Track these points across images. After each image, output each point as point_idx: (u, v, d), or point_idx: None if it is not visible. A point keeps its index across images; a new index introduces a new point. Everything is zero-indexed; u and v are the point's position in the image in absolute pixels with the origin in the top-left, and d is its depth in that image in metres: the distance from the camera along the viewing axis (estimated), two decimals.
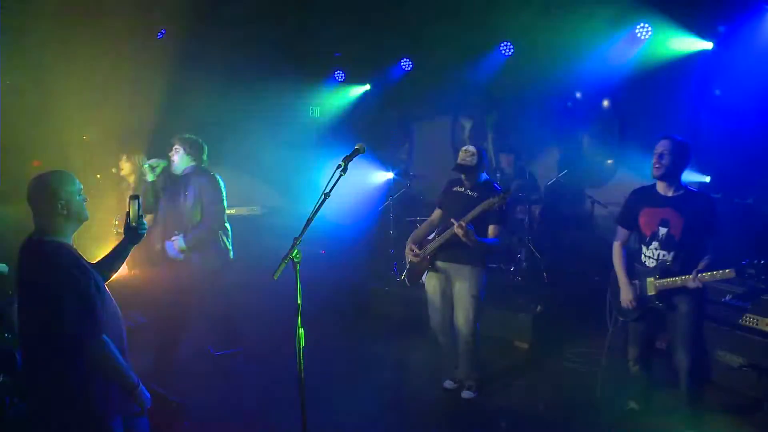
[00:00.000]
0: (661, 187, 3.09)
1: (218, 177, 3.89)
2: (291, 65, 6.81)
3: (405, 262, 3.68)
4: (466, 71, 6.92)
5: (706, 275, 2.89)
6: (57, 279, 1.89)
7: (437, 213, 3.66)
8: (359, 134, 7.14)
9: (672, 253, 3.03)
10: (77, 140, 5.58)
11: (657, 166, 3.02)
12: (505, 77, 6.77)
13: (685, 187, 3.07)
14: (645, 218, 3.12)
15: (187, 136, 3.87)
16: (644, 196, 3.16)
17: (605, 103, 6.30)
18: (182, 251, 3.75)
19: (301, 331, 2.36)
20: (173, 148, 3.84)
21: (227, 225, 3.99)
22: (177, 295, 3.78)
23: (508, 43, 6.60)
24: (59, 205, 2.00)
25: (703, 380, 2.96)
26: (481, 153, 3.49)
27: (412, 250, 3.57)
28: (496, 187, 3.50)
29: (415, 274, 3.64)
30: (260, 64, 6.52)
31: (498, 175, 5.44)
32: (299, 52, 6.91)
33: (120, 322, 2.12)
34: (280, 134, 6.95)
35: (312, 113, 7.96)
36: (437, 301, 3.61)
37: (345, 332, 4.81)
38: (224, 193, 3.88)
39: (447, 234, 3.39)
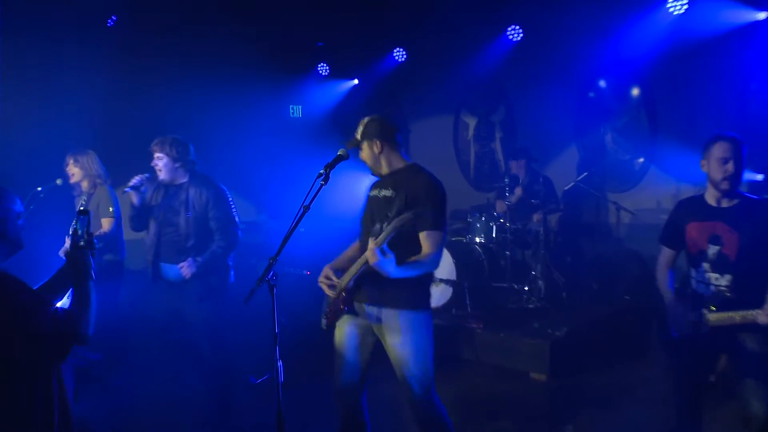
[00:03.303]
0: (711, 196, 2.92)
1: (223, 187, 3.91)
2: (266, 58, 6.88)
3: (326, 298, 3.04)
4: (469, 61, 7.04)
5: None
6: (5, 309, 1.93)
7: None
8: (346, 137, 7.23)
9: (727, 278, 2.84)
10: (13, 146, 5.58)
11: (726, 177, 2.81)
12: (515, 66, 6.90)
13: (741, 194, 2.86)
14: (692, 234, 2.95)
15: (166, 137, 3.81)
16: (691, 207, 3.00)
17: (634, 91, 6.39)
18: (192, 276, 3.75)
19: (280, 363, 2.43)
20: (155, 157, 3.80)
21: None
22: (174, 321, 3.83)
23: (517, 27, 6.72)
24: None
25: None
26: (371, 122, 2.86)
27: (328, 279, 2.90)
28: (422, 171, 2.84)
29: (332, 315, 2.92)
30: (230, 56, 6.59)
31: (506, 180, 5.53)
32: (276, 42, 6.99)
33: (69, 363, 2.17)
34: (255, 138, 7.02)
35: (292, 113, 8.06)
36: (345, 357, 2.89)
37: (332, 365, 4.85)
38: (233, 206, 3.90)
39: (359, 262, 2.73)
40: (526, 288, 5.52)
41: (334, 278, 2.90)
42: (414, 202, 2.68)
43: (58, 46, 5.60)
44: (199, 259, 3.72)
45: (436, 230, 2.68)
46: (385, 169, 2.87)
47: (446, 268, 5.37)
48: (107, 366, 4.49)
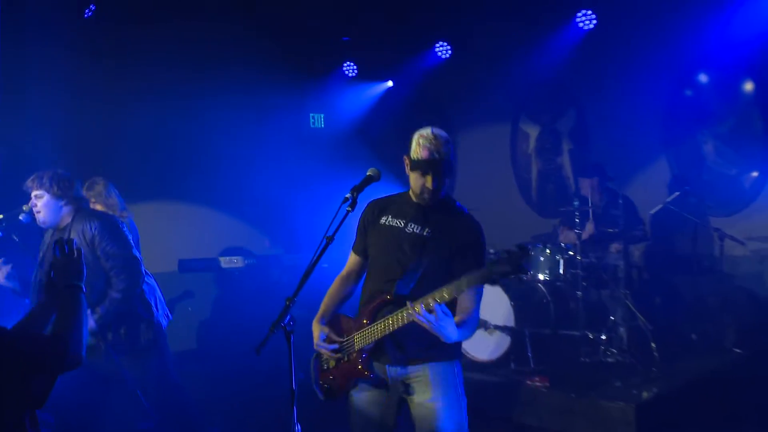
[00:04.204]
0: None
1: (114, 217, 4.07)
2: (280, 56, 7.10)
3: (316, 362, 3.12)
4: (530, 56, 7.13)
5: None
6: None
7: (354, 261, 3.16)
8: (378, 152, 7.35)
9: None
10: None
11: None
12: (587, 61, 6.96)
13: None
14: None
15: (44, 171, 3.93)
16: None
17: (746, 86, 6.35)
18: (91, 333, 3.81)
19: (298, 428, 2.52)
20: (33, 196, 3.87)
21: (149, 280, 4.18)
22: (88, 396, 3.86)
23: (589, 12, 6.78)
24: None
25: None
26: (450, 145, 2.90)
27: (330, 342, 2.97)
28: (462, 209, 2.99)
29: (339, 382, 2.99)
30: (237, 55, 6.84)
31: (576, 203, 5.57)
32: (292, 37, 7.22)
33: None
34: (267, 155, 7.19)
35: (313, 124, 8.27)
36: (371, 419, 2.99)
37: None
38: (129, 237, 4.02)
39: (395, 319, 2.76)
40: (604, 337, 5.52)
41: (335, 337, 2.96)
42: (464, 251, 2.81)
43: (23, 42, 5.70)
44: (98, 309, 3.80)
45: (480, 270, 2.74)
46: (430, 200, 2.91)
47: (503, 312, 5.44)
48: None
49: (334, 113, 8.31)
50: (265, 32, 6.80)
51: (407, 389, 2.89)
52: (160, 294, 4.28)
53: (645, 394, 4.80)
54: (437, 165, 2.81)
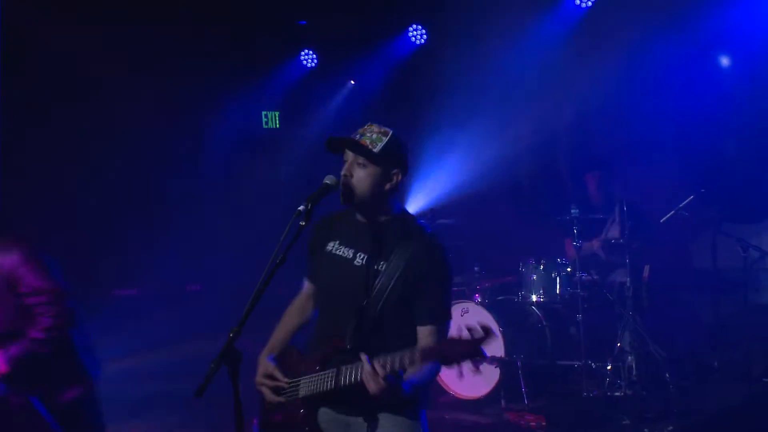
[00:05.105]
0: None
1: (34, 244, 3.87)
2: (227, 44, 7.15)
3: (262, 402, 3.07)
4: (518, 40, 7.21)
5: None
6: None
7: (309, 288, 3.15)
8: (341, 156, 7.32)
9: None
10: None
11: None
12: (585, 45, 7.03)
13: None
14: None
15: None
16: None
17: None
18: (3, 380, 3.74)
19: None
20: None
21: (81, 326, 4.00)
22: None
23: None
24: None
25: None
26: (397, 140, 2.80)
27: (271, 379, 2.93)
28: (423, 228, 2.88)
29: (277, 429, 2.99)
30: (176, 43, 6.85)
31: (574, 211, 5.63)
32: (241, 21, 7.24)
33: None
34: (212, 161, 7.17)
35: (266, 123, 8.28)
36: None
37: None
38: (56, 267, 3.88)
39: (344, 378, 2.72)
40: (609, 367, 5.57)
41: (280, 377, 2.90)
42: (422, 288, 2.74)
43: None
44: (12, 349, 3.70)
45: (444, 324, 2.76)
46: (375, 216, 2.87)
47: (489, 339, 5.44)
48: None
49: (290, 111, 8.31)
50: (206, 15, 6.80)
51: None
52: (89, 343, 4.18)
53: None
54: (348, 145, 2.74)
